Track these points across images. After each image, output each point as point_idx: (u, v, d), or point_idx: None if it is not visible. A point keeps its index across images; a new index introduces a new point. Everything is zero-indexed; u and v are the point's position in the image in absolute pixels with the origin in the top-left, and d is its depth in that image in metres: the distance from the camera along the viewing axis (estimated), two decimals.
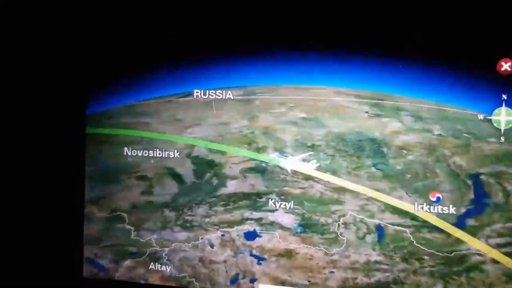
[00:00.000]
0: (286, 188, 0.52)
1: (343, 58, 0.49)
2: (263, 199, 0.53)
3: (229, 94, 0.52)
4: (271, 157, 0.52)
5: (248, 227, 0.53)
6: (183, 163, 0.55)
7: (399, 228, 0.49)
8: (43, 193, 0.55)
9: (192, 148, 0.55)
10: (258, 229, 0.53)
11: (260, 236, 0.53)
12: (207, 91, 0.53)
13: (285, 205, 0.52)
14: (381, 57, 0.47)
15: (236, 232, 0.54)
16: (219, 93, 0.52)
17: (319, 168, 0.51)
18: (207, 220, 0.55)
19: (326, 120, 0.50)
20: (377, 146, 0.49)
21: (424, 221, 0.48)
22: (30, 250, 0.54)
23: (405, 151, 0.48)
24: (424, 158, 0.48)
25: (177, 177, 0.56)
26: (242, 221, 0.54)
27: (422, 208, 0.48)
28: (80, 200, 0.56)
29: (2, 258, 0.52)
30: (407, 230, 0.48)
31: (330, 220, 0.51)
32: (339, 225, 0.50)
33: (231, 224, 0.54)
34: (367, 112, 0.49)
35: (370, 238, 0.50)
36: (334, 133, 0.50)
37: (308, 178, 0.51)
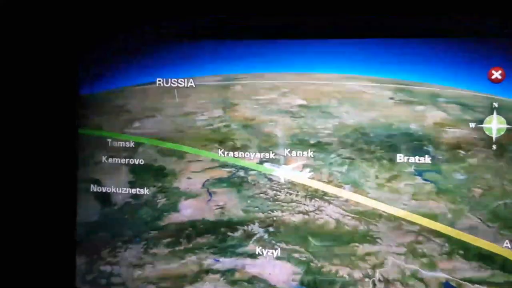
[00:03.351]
0: (277, 213, 0.36)
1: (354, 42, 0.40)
2: (239, 233, 0.37)
3: (191, 82, 0.41)
4: (254, 162, 0.37)
5: (209, 287, 0.36)
6: (116, 172, 0.40)
7: None
8: None
9: (134, 150, 0.38)
10: None
11: None
12: (170, 79, 0.41)
13: (275, 244, 0.36)
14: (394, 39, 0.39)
15: None
16: (181, 81, 0.42)
17: (329, 179, 0.36)
18: (138, 272, 0.38)
19: (335, 108, 0.39)
20: (418, 144, 0.36)
21: None
22: None
23: (462, 152, 0.35)
24: (494, 162, 0.34)
25: (101, 196, 0.40)
26: (200, 274, 0.37)
27: None
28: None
29: None
30: None
31: (357, 274, 0.34)
32: (374, 284, 0.33)
33: (179, 280, 0.37)
34: (392, 98, 0.38)
35: None
36: (348, 125, 0.38)
37: (313, 195, 0.36)
